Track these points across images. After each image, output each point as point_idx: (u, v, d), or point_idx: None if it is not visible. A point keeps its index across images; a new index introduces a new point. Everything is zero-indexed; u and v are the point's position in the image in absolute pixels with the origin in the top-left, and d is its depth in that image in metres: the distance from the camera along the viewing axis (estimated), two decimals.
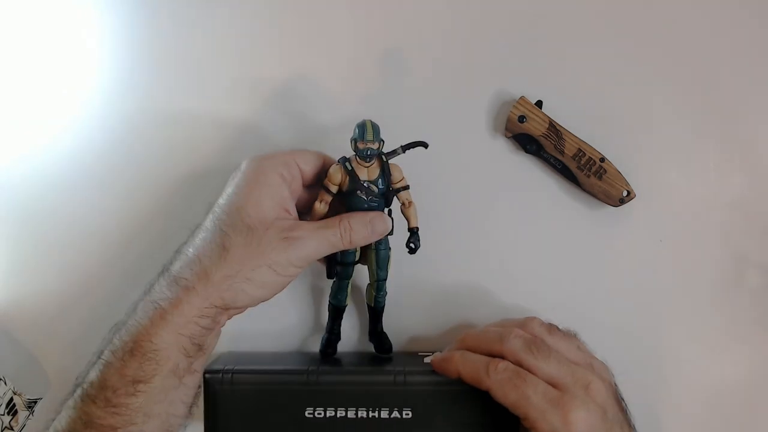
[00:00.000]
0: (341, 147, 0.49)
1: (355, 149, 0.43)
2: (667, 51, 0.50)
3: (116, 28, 0.51)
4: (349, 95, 0.51)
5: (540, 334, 0.42)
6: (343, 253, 0.45)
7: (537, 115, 0.49)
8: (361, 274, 0.49)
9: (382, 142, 0.43)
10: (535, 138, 0.49)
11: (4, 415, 0.48)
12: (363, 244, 0.44)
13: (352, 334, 0.50)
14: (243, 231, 0.40)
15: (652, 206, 0.50)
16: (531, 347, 0.40)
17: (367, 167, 0.44)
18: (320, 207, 0.44)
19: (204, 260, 0.40)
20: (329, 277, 0.47)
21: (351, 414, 0.42)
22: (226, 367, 0.44)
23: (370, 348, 0.49)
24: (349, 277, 0.46)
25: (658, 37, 0.50)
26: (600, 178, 0.49)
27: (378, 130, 0.43)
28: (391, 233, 0.46)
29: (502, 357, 0.41)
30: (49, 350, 0.51)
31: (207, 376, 0.43)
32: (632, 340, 0.50)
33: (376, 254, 0.46)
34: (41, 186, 0.51)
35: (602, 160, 0.49)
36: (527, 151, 0.49)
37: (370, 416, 0.42)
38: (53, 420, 0.41)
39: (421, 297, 0.51)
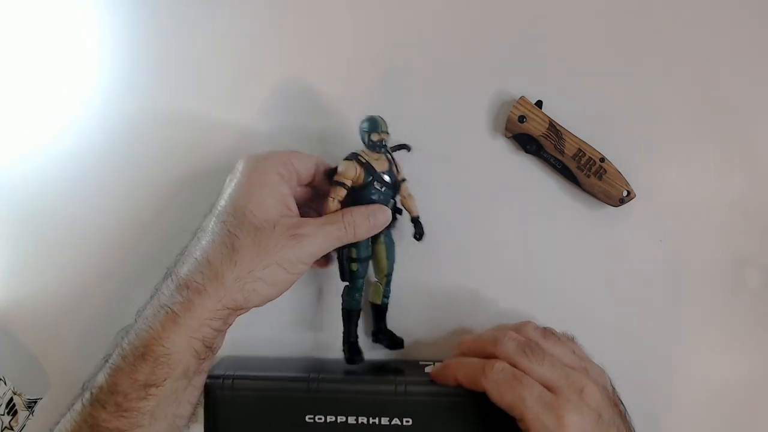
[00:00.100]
0: (341, 147, 0.49)
1: (368, 141, 0.44)
2: (667, 51, 0.50)
3: (116, 28, 0.51)
4: (349, 95, 0.51)
5: (534, 338, 0.42)
6: (358, 248, 0.45)
7: (537, 115, 0.49)
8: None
9: (389, 135, 0.45)
10: (535, 138, 0.49)
11: (4, 415, 0.48)
12: (365, 237, 0.45)
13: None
14: (251, 231, 0.40)
15: (652, 206, 0.50)
16: (525, 350, 0.41)
17: (377, 160, 0.45)
18: (333, 204, 0.44)
19: (214, 262, 0.40)
20: (343, 279, 0.46)
21: (351, 420, 0.42)
22: (226, 373, 0.44)
23: (378, 354, 0.49)
24: (365, 274, 0.46)
25: (658, 37, 0.50)
26: (600, 178, 0.49)
27: (387, 123, 0.44)
28: (393, 226, 0.48)
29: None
30: (49, 350, 0.51)
31: (207, 381, 0.43)
32: (632, 341, 0.50)
33: (385, 247, 0.46)
34: (41, 186, 0.51)
35: (602, 160, 0.49)
36: (527, 151, 0.49)
37: (371, 423, 0.42)
38: (56, 424, 0.41)
39: (422, 298, 0.50)
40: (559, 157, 0.49)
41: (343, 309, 0.47)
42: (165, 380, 0.39)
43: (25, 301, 0.51)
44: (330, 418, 0.43)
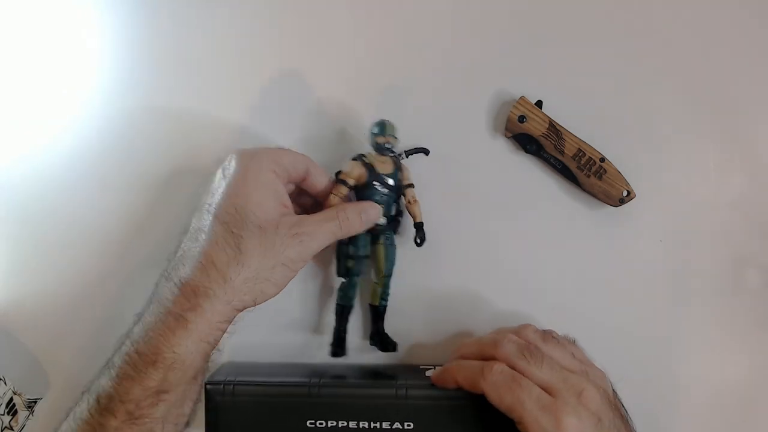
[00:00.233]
0: (341, 147, 0.50)
1: (375, 144, 0.46)
2: (667, 51, 0.50)
3: (116, 28, 0.51)
4: (349, 95, 0.51)
5: (534, 341, 0.42)
6: (357, 247, 0.46)
7: (537, 115, 0.49)
8: (365, 274, 0.49)
9: (397, 140, 0.46)
10: (535, 138, 0.49)
11: (4, 415, 0.48)
12: (358, 232, 0.45)
13: (353, 338, 0.50)
14: (255, 232, 0.40)
15: (652, 206, 0.50)
16: (524, 352, 0.41)
17: (383, 162, 0.46)
18: (334, 200, 0.46)
19: (220, 265, 0.39)
20: (340, 274, 0.47)
21: (352, 425, 0.43)
22: (227, 379, 0.44)
23: (374, 357, 0.49)
24: (360, 273, 0.47)
25: (658, 37, 0.50)
26: (600, 178, 0.49)
27: (395, 127, 0.46)
28: (396, 231, 0.49)
29: None
30: (49, 350, 0.51)
31: (208, 387, 0.43)
32: (632, 341, 0.50)
33: (385, 249, 0.47)
34: (41, 186, 0.51)
35: (602, 160, 0.49)
36: (527, 151, 0.49)
37: (372, 427, 0.42)
38: (56, 430, 0.40)
39: (421, 300, 0.50)
40: (559, 157, 0.49)
41: (336, 304, 0.48)
42: (178, 385, 0.39)
43: (25, 301, 0.51)
44: (331, 423, 0.43)
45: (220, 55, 0.51)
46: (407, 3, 0.51)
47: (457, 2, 0.51)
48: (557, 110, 0.49)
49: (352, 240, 0.46)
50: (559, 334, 0.45)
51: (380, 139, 0.45)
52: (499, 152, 0.51)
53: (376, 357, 0.49)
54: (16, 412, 0.49)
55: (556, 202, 0.50)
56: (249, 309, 0.42)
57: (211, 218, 0.41)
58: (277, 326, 0.51)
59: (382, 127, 0.46)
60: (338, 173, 0.47)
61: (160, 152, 0.51)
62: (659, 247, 0.50)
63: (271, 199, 0.42)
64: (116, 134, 0.51)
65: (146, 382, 0.38)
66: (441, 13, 0.51)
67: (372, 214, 0.46)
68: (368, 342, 0.49)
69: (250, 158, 0.43)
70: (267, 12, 0.51)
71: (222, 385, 0.43)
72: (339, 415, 0.43)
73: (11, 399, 0.49)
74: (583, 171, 0.49)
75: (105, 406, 0.38)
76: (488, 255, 0.50)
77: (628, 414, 0.42)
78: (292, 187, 0.46)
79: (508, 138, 0.50)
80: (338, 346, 0.47)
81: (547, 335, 0.43)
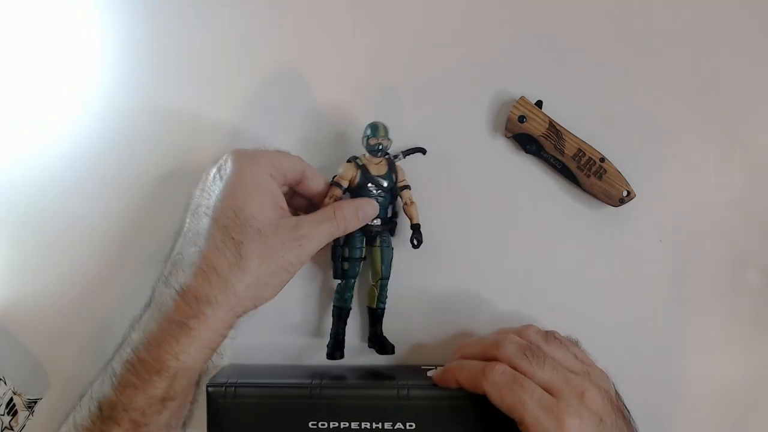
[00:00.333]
0: (341, 147, 0.50)
1: (367, 145, 0.46)
2: (667, 51, 0.50)
3: (116, 28, 0.51)
4: (349, 96, 0.51)
5: (536, 341, 0.42)
6: (351, 248, 0.46)
7: (537, 115, 0.49)
8: (364, 277, 0.49)
9: (390, 141, 0.46)
10: (535, 138, 0.49)
11: (4, 415, 0.48)
12: (356, 228, 0.46)
13: (352, 340, 0.50)
14: (255, 237, 0.40)
15: (652, 206, 0.50)
16: (526, 353, 0.41)
17: (377, 164, 0.46)
18: (330, 203, 0.46)
19: (221, 271, 0.39)
20: (336, 277, 0.47)
21: (354, 426, 0.43)
22: (229, 381, 0.44)
23: (373, 359, 0.49)
24: (356, 275, 0.47)
25: (658, 37, 0.50)
26: (600, 178, 0.49)
27: (388, 129, 0.46)
28: (393, 234, 0.49)
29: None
30: (49, 350, 0.51)
31: (210, 389, 0.43)
32: (632, 341, 0.50)
33: (381, 251, 0.47)
34: (41, 186, 0.51)
35: (602, 160, 0.49)
36: (527, 151, 0.49)
37: (374, 427, 0.43)
38: None
39: (421, 301, 0.50)
40: (559, 157, 0.49)
41: (333, 306, 0.48)
42: (182, 392, 0.39)
43: (25, 301, 0.51)
44: (333, 424, 0.43)
45: (220, 55, 0.51)
46: (407, 3, 0.51)
47: (458, 2, 0.51)
48: (557, 110, 0.49)
49: (347, 242, 0.47)
50: (561, 334, 0.45)
51: (372, 141, 0.46)
52: (499, 152, 0.51)
53: (374, 359, 0.49)
54: (16, 412, 0.49)
55: (556, 202, 0.50)
56: (248, 312, 0.42)
57: (209, 221, 0.40)
58: (278, 329, 0.50)
59: (374, 128, 0.46)
60: (334, 177, 0.47)
61: (160, 152, 0.51)
62: (659, 247, 0.50)
63: (269, 202, 0.41)
64: (116, 134, 0.51)
65: (151, 391, 0.38)
66: (441, 13, 0.51)
67: (369, 210, 0.46)
68: (367, 344, 0.49)
69: (248, 160, 0.42)
70: (266, 12, 0.51)
71: (224, 387, 0.43)
72: (341, 416, 0.43)
73: (11, 399, 0.49)
74: (583, 171, 0.49)
75: (108, 415, 0.38)
76: (489, 255, 0.50)
77: (630, 414, 0.42)
78: (285, 188, 0.46)
79: (508, 138, 0.50)
80: (335, 349, 0.47)
81: (549, 336, 0.43)
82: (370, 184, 0.46)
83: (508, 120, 0.49)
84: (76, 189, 0.51)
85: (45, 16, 0.52)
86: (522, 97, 0.49)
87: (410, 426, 0.42)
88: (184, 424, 0.43)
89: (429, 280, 0.50)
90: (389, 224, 0.48)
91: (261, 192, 0.41)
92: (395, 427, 0.42)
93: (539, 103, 0.49)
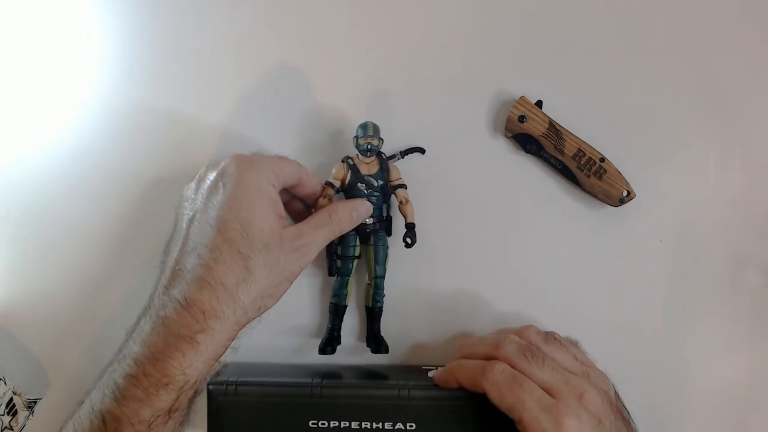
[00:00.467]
0: (341, 147, 0.50)
1: (357, 145, 0.46)
2: (667, 51, 0.50)
3: (116, 28, 0.51)
4: (349, 96, 0.51)
5: (536, 342, 0.42)
6: (344, 247, 0.47)
7: (537, 115, 0.49)
8: (361, 275, 0.49)
9: (381, 141, 0.46)
10: (535, 138, 0.49)
11: (4, 415, 0.48)
12: (351, 228, 0.46)
13: (351, 339, 0.50)
14: (261, 250, 0.40)
15: (652, 206, 0.50)
16: (525, 353, 0.41)
17: (368, 164, 0.47)
18: (324, 202, 0.47)
19: (229, 286, 0.39)
20: (330, 274, 0.48)
21: (355, 425, 0.43)
22: (230, 379, 0.44)
23: (370, 358, 0.49)
24: (349, 273, 0.48)
25: (658, 37, 0.50)
26: (600, 178, 0.49)
27: (378, 129, 0.47)
28: (389, 233, 0.49)
29: None
30: (49, 350, 0.51)
31: (211, 387, 0.43)
32: (632, 341, 0.50)
33: (374, 250, 0.47)
34: (41, 186, 0.51)
35: (602, 160, 0.49)
36: (527, 151, 0.49)
37: (374, 427, 0.43)
38: None
39: (421, 301, 0.50)
40: (559, 157, 0.49)
41: (330, 303, 0.48)
42: (187, 401, 0.39)
43: (25, 301, 0.51)
44: (333, 423, 0.43)
45: (220, 56, 0.51)
46: (407, 3, 0.51)
47: (458, 2, 0.51)
48: (557, 110, 0.49)
49: (341, 240, 0.47)
50: (561, 335, 0.45)
51: (362, 141, 0.46)
52: (499, 152, 0.50)
53: (372, 358, 0.49)
54: (16, 412, 0.49)
55: (556, 202, 0.50)
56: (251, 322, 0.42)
57: (213, 232, 0.40)
58: (279, 328, 0.50)
59: (364, 128, 0.46)
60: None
61: (160, 152, 0.51)
62: (659, 247, 0.50)
63: (272, 213, 0.41)
64: (116, 134, 0.51)
65: (157, 404, 0.38)
66: (441, 14, 0.51)
67: (362, 210, 0.46)
68: (365, 343, 0.49)
69: (250, 168, 0.42)
70: (266, 13, 0.51)
71: (224, 386, 0.43)
72: (341, 415, 0.43)
73: (11, 399, 0.49)
74: (583, 171, 0.49)
75: (114, 429, 0.38)
76: (489, 255, 0.50)
77: (630, 415, 0.42)
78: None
79: (508, 138, 0.50)
80: (328, 344, 0.47)
81: (549, 336, 0.43)
82: (360, 184, 0.47)
83: (508, 120, 0.49)
84: (76, 189, 0.51)
85: (45, 16, 0.52)
86: (522, 97, 0.49)
87: (410, 426, 0.42)
88: (183, 423, 0.43)
89: (429, 280, 0.50)
90: (383, 223, 0.48)
91: (265, 202, 0.41)
92: (395, 427, 0.42)
93: (539, 103, 0.49)
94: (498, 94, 0.50)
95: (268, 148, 0.50)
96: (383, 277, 0.48)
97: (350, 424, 0.43)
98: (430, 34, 0.51)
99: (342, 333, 0.48)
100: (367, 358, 0.49)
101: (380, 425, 0.43)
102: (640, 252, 0.50)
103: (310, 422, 0.43)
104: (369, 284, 0.48)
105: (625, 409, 0.42)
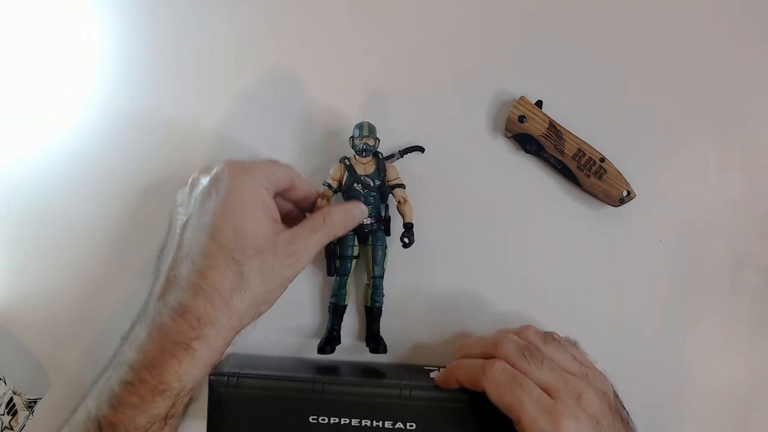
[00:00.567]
0: (341, 147, 0.49)
1: (353, 146, 0.46)
2: (667, 51, 0.50)
3: (116, 28, 0.51)
4: (349, 96, 0.51)
5: (535, 342, 0.42)
6: (342, 247, 0.47)
7: (537, 115, 0.49)
8: (361, 275, 0.49)
9: (377, 141, 0.47)
10: (535, 138, 0.49)
11: (4, 415, 0.48)
12: (345, 232, 0.46)
13: (350, 339, 0.50)
14: (255, 256, 0.40)
15: (652, 206, 0.50)
16: (524, 353, 0.41)
17: (365, 164, 0.47)
18: (322, 203, 0.47)
19: (224, 292, 0.39)
20: (329, 274, 0.48)
21: (355, 423, 0.43)
22: (232, 371, 0.44)
23: (367, 358, 0.49)
24: (348, 273, 0.48)
25: (658, 37, 0.50)
26: (600, 178, 0.49)
27: (374, 129, 0.47)
28: (388, 233, 0.49)
29: None
30: (49, 350, 0.51)
31: (212, 378, 0.43)
32: (632, 341, 0.50)
33: (373, 250, 0.48)
34: (41, 186, 0.51)
35: (602, 160, 0.49)
36: (527, 151, 0.49)
37: (374, 426, 0.43)
38: None
39: (421, 301, 0.50)
40: (559, 157, 0.49)
41: (330, 303, 0.48)
42: (183, 407, 0.39)
43: (25, 301, 0.51)
44: (334, 420, 0.43)
45: (220, 56, 0.51)
46: (407, 4, 0.51)
47: (458, 3, 0.51)
48: (557, 110, 0.49)
49: (340, 240, 0.47)
50: (561, 335, 0.45)
51: (358, 141, 0.46)
52: (499, 152, 0.51)
53: (371, 357, 0.49)
54: (16, 412, 0.49)
55: (556, 202, 0.50)
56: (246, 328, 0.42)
57: (207, 239, 0.40)
58: (278, 328, 0.50)
59: (360, 128, 0.46)
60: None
61: (160, 152, 0.51)
62: (659, 247, 0.50)
63: (265, 218, 0.41)
64: (116, 134, 0.51)
65: (153, 411, 0.38)
66: (441, 14, 0.51)
67: (356, 213, 0.46)
68: (364, 343, 0.49)
69: (243, 174, 0.42)
70: (266, 13, 0.51)
71: (226, 377, 0.43)
72: (341, 412, 0.43)
73: (11, 399, 0.49)
74: (583, 171, 0.49)
75: None
76: (489, 255, 0.50)
77: (629, 416, 0.42)
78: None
79: (508, 138, 0.50)
80: (327, 343, 0.48)
81: (548, 337, 0.43)
82: (356, 184, 0.47)
83: (508, 120, 0.49)
84: (76, 189, 0.51)
85: (45, 16, 0.52)
86: (522, 97, 0.49)
87: (411, 426, 0.42)
88: (178, 429, 0.43)
89: (429, 280, 0.50)
90: (381, 223, 0.48)
91: (258, 207, 0.41)
92: (395, 427, 0.42)
93: (539, 103, 0.49)
94: (498, 94, 0.50)
95: (267, 149, 0.50)
96: (382, 277, 0.48)
97: (350, 422, 0.43)
98: (430, 34, 0.51)
99: (341, 333, 0.48)
100: (367, 357, 0.49)
101: (380, 424, 0.43)
102: (640, 252, 0.50)
103: (311, 417, 0.43)
104: (368, 284, 0.48)
105: (624, 409, 0.42)
